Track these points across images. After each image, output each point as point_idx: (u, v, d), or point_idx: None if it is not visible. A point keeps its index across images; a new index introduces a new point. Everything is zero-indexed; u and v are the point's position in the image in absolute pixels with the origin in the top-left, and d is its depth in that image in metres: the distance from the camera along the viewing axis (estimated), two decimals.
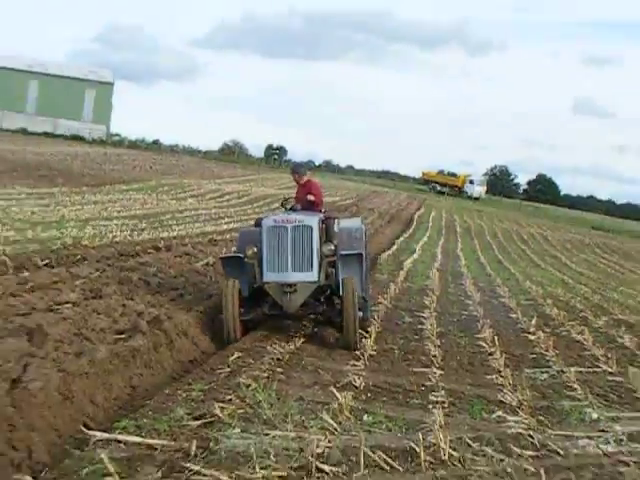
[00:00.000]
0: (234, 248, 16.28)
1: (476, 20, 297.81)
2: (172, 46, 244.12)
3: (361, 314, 13.55)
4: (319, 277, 13.23)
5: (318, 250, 13.30)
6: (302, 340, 14.10)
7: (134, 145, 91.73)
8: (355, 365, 12.53)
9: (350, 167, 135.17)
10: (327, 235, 14.12)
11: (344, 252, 13.71)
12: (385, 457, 8.34)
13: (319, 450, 8.30)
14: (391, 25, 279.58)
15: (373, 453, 8.33)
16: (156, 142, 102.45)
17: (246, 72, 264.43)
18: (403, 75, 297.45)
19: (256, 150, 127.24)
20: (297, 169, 16.20)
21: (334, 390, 10.42)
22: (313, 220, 13.33)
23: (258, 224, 14.34)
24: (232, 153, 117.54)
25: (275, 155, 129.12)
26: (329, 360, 12.98)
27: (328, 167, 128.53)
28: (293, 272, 13.08)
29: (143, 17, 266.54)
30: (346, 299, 12.92)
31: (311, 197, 14.74)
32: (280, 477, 7.65)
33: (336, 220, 14.78)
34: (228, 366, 11.67)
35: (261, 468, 7.72)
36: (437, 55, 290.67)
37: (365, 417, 9.87)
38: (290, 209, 14.20)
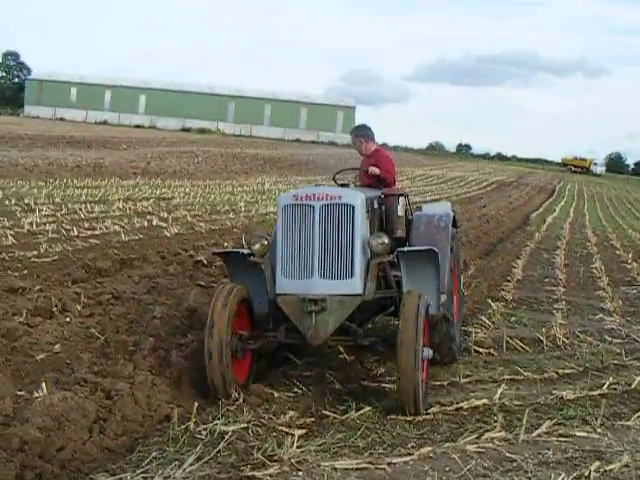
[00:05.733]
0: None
1: (590, 57, 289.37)
2: (391, 81, 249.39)
3: (430, 353, 5.85)
4: (365, 288, 5.95)
5: (364, 244, 6.00)
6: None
7: None
8: (507, 284, 12.36)
9: (513, 156, 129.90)
10: (386, 222, 7.08)
11: (407, 249, 6.49)
12: (520, 343, 8.45)
13: (477, 339, 8.50)
14: (535, 61, 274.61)
15: (511, 340, 8.47)
16: (384, 144, 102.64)
17: (440, 95, 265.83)
18: (544, 93, 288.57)
19: (450, 147, 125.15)
20: (359, 131, 7.70)
21: (489, 301, 10.54)
22: (356, 197, 6.13)
23: None
24: (434, 149, 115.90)
25: (463, 150, 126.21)
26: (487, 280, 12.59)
27: (499, 157, 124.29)
28: (321, 279, 5.86)
29: (371, 64, 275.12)
30: (403, 327, 5.52)
31: (374, 169, 7.30)
32: None
33: (401, 199, 7.24)
34: None
35: None
36: (566, 79, 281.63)
37: (511, 319, 9.86)
38: (341, 185, 6.96)
